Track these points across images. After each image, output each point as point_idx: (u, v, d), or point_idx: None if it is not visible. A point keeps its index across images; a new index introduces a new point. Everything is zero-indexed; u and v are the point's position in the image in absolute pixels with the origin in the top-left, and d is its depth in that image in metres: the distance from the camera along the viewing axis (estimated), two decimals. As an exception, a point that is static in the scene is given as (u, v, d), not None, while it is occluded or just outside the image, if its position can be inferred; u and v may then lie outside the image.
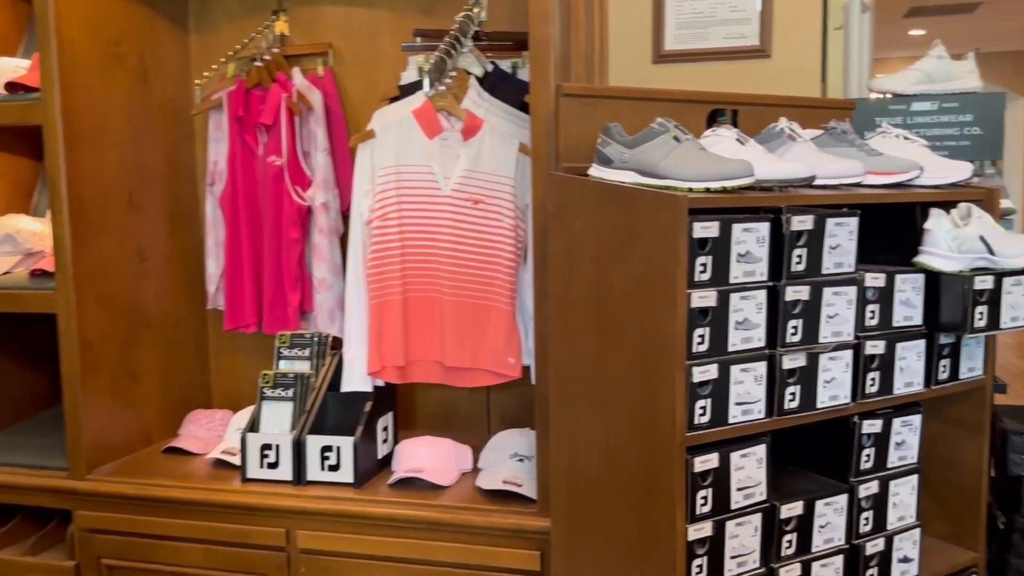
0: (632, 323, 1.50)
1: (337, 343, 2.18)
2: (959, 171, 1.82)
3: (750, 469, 1.53)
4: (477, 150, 1.98)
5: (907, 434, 1.74)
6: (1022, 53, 8.17)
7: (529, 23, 1.76)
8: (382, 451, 2.12)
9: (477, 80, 2.08)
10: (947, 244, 1.69)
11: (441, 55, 2.00)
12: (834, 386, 1.60)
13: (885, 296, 1.67)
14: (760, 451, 1.54)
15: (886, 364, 1.67)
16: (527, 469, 1.98)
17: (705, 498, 1.48)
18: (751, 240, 1.49)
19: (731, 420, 1.49)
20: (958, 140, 2.30)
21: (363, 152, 2.01)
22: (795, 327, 1.54)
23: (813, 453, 1.75)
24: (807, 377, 1.57)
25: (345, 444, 2.01)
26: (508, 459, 2.01)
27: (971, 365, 1.82)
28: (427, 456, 2.03)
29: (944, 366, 1.77)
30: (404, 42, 2.22)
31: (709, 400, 1.46)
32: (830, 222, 1.58)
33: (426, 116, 1.97)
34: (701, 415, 1.46)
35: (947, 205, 1.77)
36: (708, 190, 1.48)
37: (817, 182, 1.65)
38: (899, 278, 1.69)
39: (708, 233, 1.44)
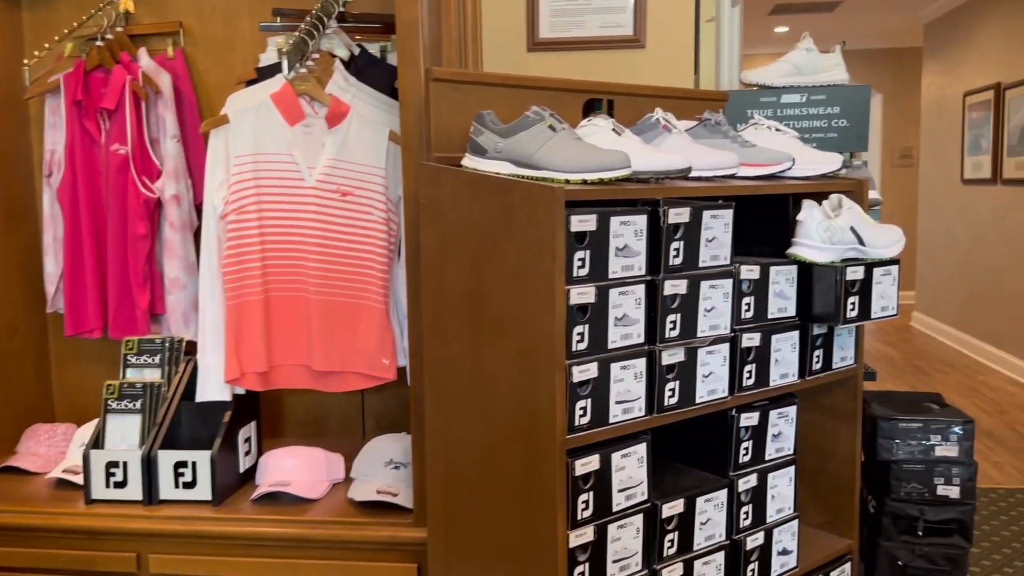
0: (509, 321, 1.42)
1: (192, 348, 2.01)
2: (830, 162, 1.83)
3: (631, 469, 1.48)
4: (344, 138, 1.85)
5: (783, 425, 1.74)
6: (879, 51, 8.63)
7: (396, 3, 1.65)
8: (244, 464, 1.97)
9: (343, 64, 1.95)
10: (819, 235, 1.69)
11: (302, 36, 1.86)
12: (712, 380, 1.58)
13: (760, 288, 1.66)
14: (641, 450, 1.49)
15: (762, 356, 1.66)
16: (403, 477, 1.87)
17: (586, 502, 1.42)
18: (629, 233, 1.44)
19: (612, 420, 1.44)
20: (826, 132, 2.34)
21: (216, 139, 1.85)
22: (674, 322, 1.50)
23: (693, 448, 1.73)
24: (686, 372, 1.53)
25: (201, 459, 1.85)
26: (383, 467, 1.90)
27: (843, 354, 1.84)
28: (294, 468, 1.90)
29: (818, 356, 1.78)
30: (263, 22, 2.07)
31: (589, 400, 1.40)
32: (706, 214, 1.54)
33: (286, 101, 1.83)
34: (581, 416, 1.39)
35: (819, 196, 1.78)
36: (585, 182, 1.42)
37: (692, 174, 1.61)
38: (773, 270, 1.68)
39: (586, 227, 1.37)
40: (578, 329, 1.38)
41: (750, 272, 1.64)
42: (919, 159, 7.51)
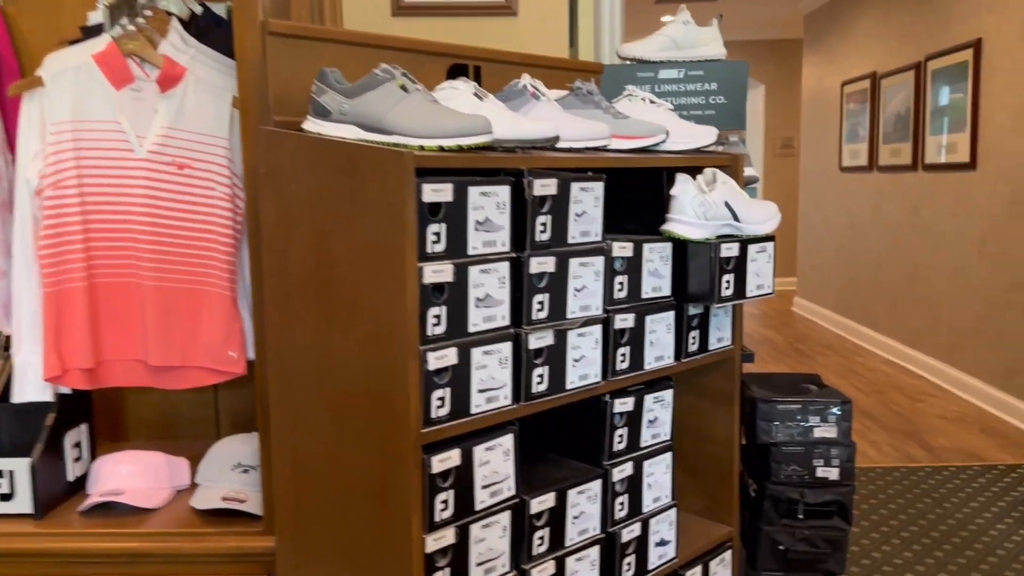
0: (359, 303, 1.28)
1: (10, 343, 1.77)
2: (704, 136, 1.76)
3: (496, 463, 1.36)
4: (179, 104, 1.66)
5: (659, 410, 1.66)
6: (761, 43, 8.85)
7: (233, -49, 1.47)
8: (73, 472, 1.75)
9: (182, 24, 1.75)
10: (693, 211, 1.61)
11: (132, -10, 1.66)
12: (584, 364, 1.47)
13: (633, 266, 1.57)
14: (507, 442, 1.37)
15: (636, 338, 1.57)
16: (253, 481, 1.70)
17: (446, 502, 1.29)
18: (490, 206, 1.31)
19: (474, 410, 1.31)
20: (704, 109, 2.28)
21: (30, 105, 1.62)
22: (541, 302, 1.39)
23: (565, 437, 1.63)
24: (555, 356, 1.42)
25: (20, 467, 1.63)
26: (230, 471, 1.72)
27: (720, 335, 1.78)
28: (129, 475, 1.70)
29: (694, 338, 1.71)
30: (91, -24, 1.84)
31: (448, 389, 1.27)
32: (575, 187, 1.44)
33: (111, 61, 1.62)
34: (439, 407, 1.26)
35: (695, 172, 1.70)
36: (442, 149, 1.29)
37: (561, 144, 1.51)
38: (647, 247, 1.59)
39: (440, 197, 1.24)
40: (434, 311, 1.25)
41: (623, 249, 1.54)
42: (800, 149, 7.75)
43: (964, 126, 4.56)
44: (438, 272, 1.24)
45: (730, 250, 1.63)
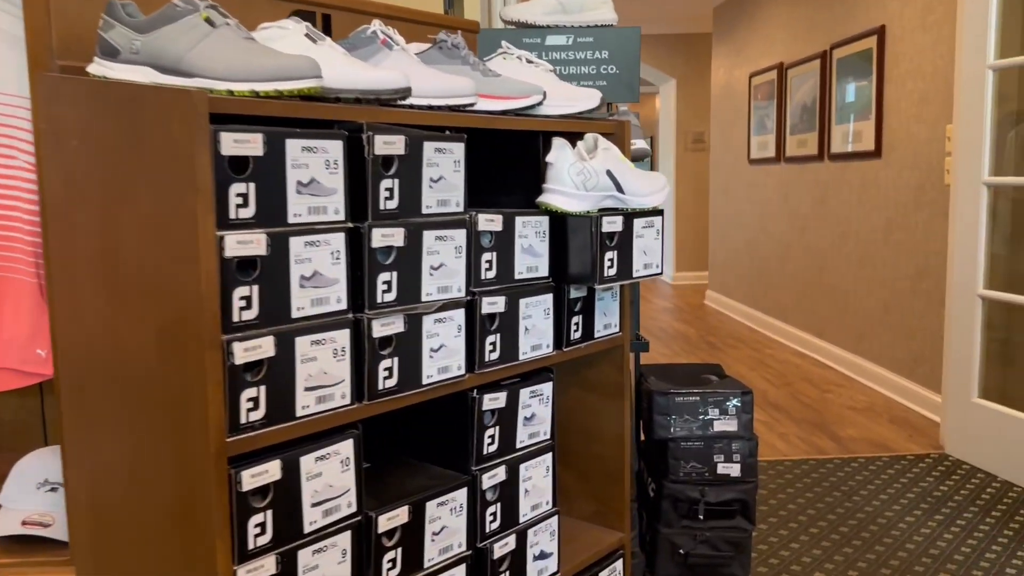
0: (149, 285, 1.04)
1: None
2: (587, 99, 1.58)
3: (331, 475, 1.14)
4: (-39, 54, 1.38)
5: (537, 406, 1.47)
6: (673, 37, 8.83)
7: None
8: None
9: (-26, -38, 1.47)
10: (571, 180, 1.42)
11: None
12: (444, 355, 1.27)
13: (504, 242, 1.37)
14: (346, 449, 1.16)
15: (508, 325, 1.38)
16: (62, 501, 1.44)
17: (262, 525, 1.06)
18: (317, 164, 1.09)
19: (300, 412, 1.09)
20: (595, 79, 2.11)
21: None
22: (388, 282, 1.18)
23: (426, 440, 1.42)
24: (407, 346, 1.21)
25: None
26: (36, 490, 1.46)
27: (607, 321, 1.60)
28: (-95, 498, 1.41)
29: (576, 324, 1.52)
30: None
31: (263, 388, 1.05)
32: (429, 147, 1.23)
33: None
34: (251, 409, 1.04)
35: (575, 139, 1.52)
36: (256, 94, 1.06)
37: (417, 101, 1.30)
38: (520, 221, 1.39)
39: (247, 150, 1.01)
40: (241, 292, 1.02)
41: (490, 223, 1.34)
42: (711, 143, 7.73)
43: (869, 114, 4.54)
44: (246, 243, 1.01)
45: (613, 224, 1.45)
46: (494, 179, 1.55)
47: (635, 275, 1.50)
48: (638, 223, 1.49)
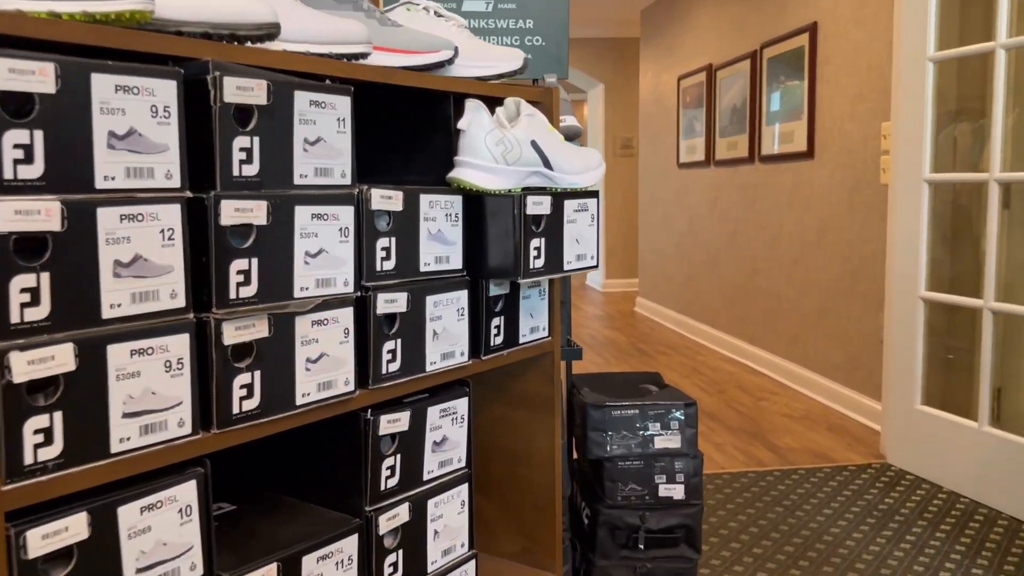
0: None
1: None
2: (507, 60, 1.33)
3: (165, 529, 0.85)
4: None
5: (450, 427, 1.20)
6: (602, 41, 8.70)
7: None
8: None
9: None
10: (489, 151, 1.17)
11: None
12: (327, 366, 0.99)
13: (405, 227, 1.11)
14: (186, 493, 0.87)
15: (412, 328, 1.11)
16: None
17: (56, 605, 0.77)
18: (139, 111, 0.81)
19: (118, 448, 0.80)
20: (519, 53, 1.86)
21: None
22: (244, 272, 0.90)
23: (308, 474, 1.14)
24: (275, 355, 0.93)
25: None
26: None
27: (534, 324, 1.35)
28: None
29: (497, 327, 1.26)
30: None
31: (59, 414, 0.76)
32: (302, 98, 0.96)
33: None
34: (42, 445, 0.75)
35: (494, 105, 1.26)
36: (55, 14, 0.77)
37: (292, 47, 1.02)
38: (426, 200, 1.13)
39: (32, 85, 0.73)
40: (22, 282, 0.73)
41: (387, 201, 1.07)
42: (639, 148, 7.61)
43: (801, 114, 4.43)
44: (27, 215, 0.72)
45: (540, 206, 1.20)
46: (396, 153, 1.29)
47: (567, 267, 1.26)
48: (569, 205, 1.25)
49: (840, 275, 4.06)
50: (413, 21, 1.32)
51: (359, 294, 1.04)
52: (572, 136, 1.63)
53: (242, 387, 0.90)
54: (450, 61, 1.23)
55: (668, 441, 1.79)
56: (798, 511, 2.79)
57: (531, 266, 1.19)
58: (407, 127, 1.27)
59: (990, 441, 2.79)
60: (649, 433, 1.78)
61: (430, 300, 1.13)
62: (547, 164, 1.23)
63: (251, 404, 0.91)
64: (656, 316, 6.96)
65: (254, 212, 0.89)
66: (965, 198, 3.25)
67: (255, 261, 0.90)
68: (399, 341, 1.09)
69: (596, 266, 1.33)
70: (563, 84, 11.02)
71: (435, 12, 1.35)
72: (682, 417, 1.79)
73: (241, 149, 0.89)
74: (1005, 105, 2.74)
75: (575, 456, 1.96)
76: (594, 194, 1.31)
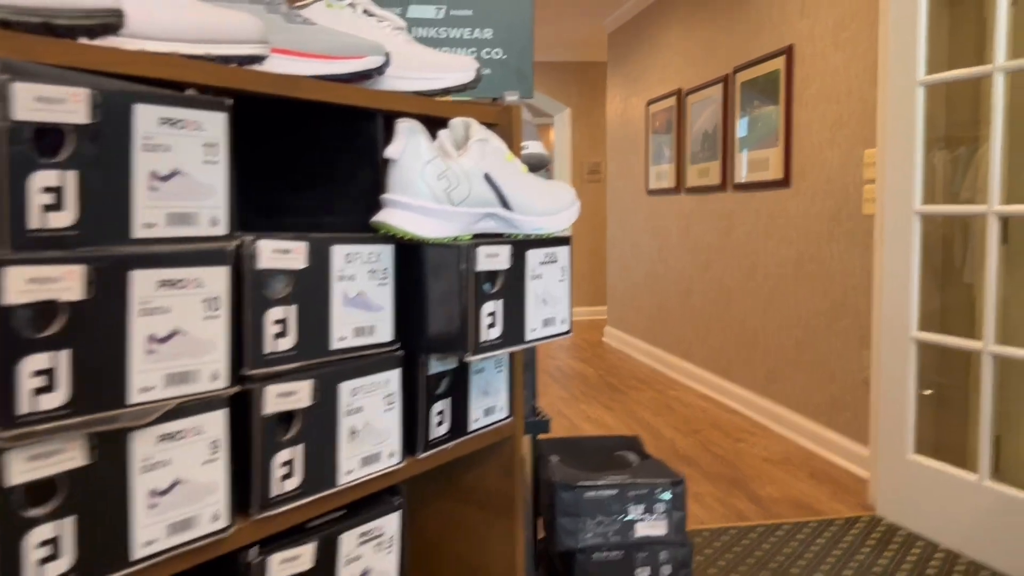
0: None
1: None
2: (456, 69, 1.05)
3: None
4: None
5: (373, 556, 0.91)
6: (568, 64, 8.51)
7: None
8: None
9: None
10: (428, 187, 0.88)
11: None
12: (185, 496, 0.69)
13: (311, 290, 0.82)
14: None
15: (319, 427, 0.82)
16: None
17: None
18: None
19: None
20: (475, 67, 1.58)
21: None
22: (46, 372, 0.60)
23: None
24: (100, 487, 0.64)
25: None
26: None
27: (489, 404, 1.06)
28: None
29: (441, 414, 0.97)
30: None
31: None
32: (145, 113, 0.66)
33: None
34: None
35: (437, 127, 0.98)
36: None
37: (150, 45, 0.74)
38: (340, 253, 0.84)
39: None
40: None
41: (282, 257, 0.78)
42: (607, 173, 7.40)
43: (777, 140, 4.22)
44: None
45: (495, 258, 0.92)
46: (315, 191, 1.00)
47: (530, 336, 0.97)
48: (534, 257, 0.97)
49: (820, 309, 3.83)
50: (336, 20, 1.03)
51: (237, 389, 0.74)
52: (538, 166, 1.36)
53: (43, 544, 0.60)
54: (379, 70, 0.95)
55: (652, 527, 1.50)
56: (787, 575, 2.52)
57: (483, 338, 0.90)
58: (328, 157, 0.98)
59: (991, 496, 2.56)
60: (630, 518, 1.49)
61: (346, 387, 0.84)
62: (505, 203, 0.95)
63: (64, 565, 0.61)
64: (625, 347, 6.70)
65: (62, 283, 0.60)
66: (948, 229, 3.04)
67: (63, 356, 0.60)
68: (300, 448, 0.80)
69: (568, 331, 1.05)
70: (529, 107, 10.83)
71: (364, 10, 1.06)
72: (668, 498, 1.51)
73: (44, 189, 0.59)
74: (1004, 132, 2.53)
75: (543, 544, 1.67)
76: (565, 241, 1.03)
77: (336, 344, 0.84)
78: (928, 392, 3.03)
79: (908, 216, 2.84)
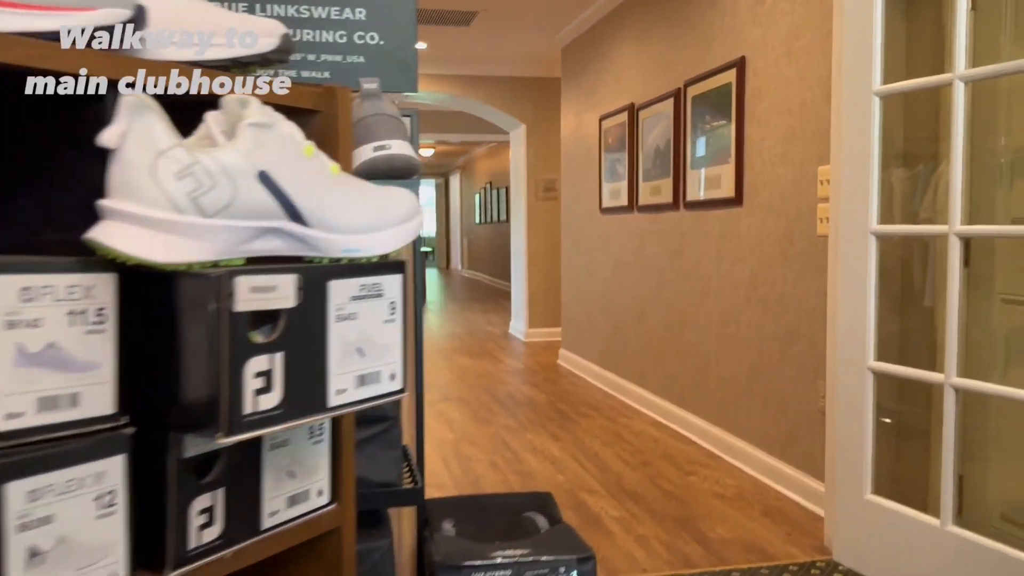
0: None
1: None
2: (247, 33, 0.77)
3: None
4: None
5: None
6: (522, 80, 8.28)
7: None
8: None
9: None
10: (162, 189, 0.61)
11: None
12: None
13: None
14: None
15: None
16: None
17: None
18: None
19: None
20: (346, 54, 1.32)
21: None
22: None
23: None
24: None
25: None
26: None
27: (296, 489, 0.78)
28: None
29: (207, 512, 0.69)
30: None
31: None
32: None
33: None
34: None
35: (205, 108, 0.70)
36: None
37: None
38: (12, 286, 0.56)
39: None
40: None
41: None
42: (561, 191, 7.16)
43: (728, 157, 4.00)
44: None
45: (268, 293, 0.64)
46: (33, 196, 0.71)
47: (334, 403, 0.69)
48: (340, 290, 0.69)
49: (774, 335, 3.60)
50: (79, -35, 0.75)
51: None
52: (403, 172, 1.08)
53: None
54: (123, 27, 0.67)
55: (553, 616, 1.22)
56: (734, 640, 2.25)
57: (248, 409, 0.62)
58: (47, 149, 0.70)
59: (954, 542, 2.32)
60: (525, 606, 1.22)
61: (17, 488, 0.55)
62: (294, 215, 0.67)
63: None
64: (579, 370, 6.44)
65: None
66: (907, 251, 2.83)
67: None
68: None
69: (402, 390, 0.77)
70: (483, 123, 10.56)
71: (128, -46, 0.78)
72: (573, 578, 1.24)
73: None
74: (965, 146, 2.31)
75: (426, 627, 1.38)
76: (396, 267, 0.75)
77: (3, 426, 0.55)
78: (887, 420, 2.80)
79: (864, 236, 2.62)
